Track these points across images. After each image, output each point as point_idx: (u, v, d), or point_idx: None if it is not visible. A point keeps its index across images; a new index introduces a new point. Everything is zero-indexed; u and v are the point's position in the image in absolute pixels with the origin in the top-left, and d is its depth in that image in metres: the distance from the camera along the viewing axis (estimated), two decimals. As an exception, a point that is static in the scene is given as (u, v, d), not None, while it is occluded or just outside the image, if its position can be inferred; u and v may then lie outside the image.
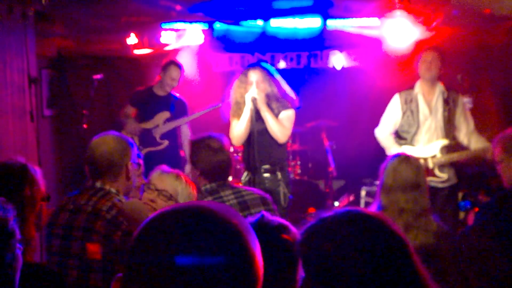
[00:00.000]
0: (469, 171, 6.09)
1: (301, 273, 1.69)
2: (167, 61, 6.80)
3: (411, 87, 5.74)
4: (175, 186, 3.37)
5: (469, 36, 7.55)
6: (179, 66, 6.72)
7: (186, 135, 6.84)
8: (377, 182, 3.91)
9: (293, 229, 1.94)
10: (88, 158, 3.37)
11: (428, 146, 5.60)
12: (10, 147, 5.99)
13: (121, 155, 3.36)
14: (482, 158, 5.48)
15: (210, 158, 3.71)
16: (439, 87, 5.64)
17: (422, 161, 5.53)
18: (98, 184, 3.30)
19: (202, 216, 1.30)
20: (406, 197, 3.65)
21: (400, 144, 5.73)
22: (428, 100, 5.66)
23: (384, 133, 5.84)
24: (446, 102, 5.62)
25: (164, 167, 3.59)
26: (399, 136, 5.80)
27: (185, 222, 1.28)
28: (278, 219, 2.01)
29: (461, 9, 6.62)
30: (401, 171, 3.72)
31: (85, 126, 6.56)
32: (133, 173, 3.37)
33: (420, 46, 6.42)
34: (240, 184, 5.48)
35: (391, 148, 5.68)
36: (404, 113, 5.70)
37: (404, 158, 3.81)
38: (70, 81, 8.11)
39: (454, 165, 5.66)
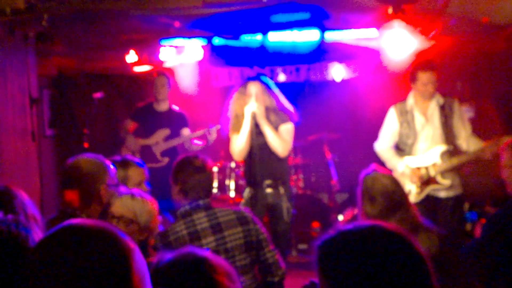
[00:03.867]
0: (474, 182, 6.07)
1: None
2: (154, 75, 7.06)
3: (405, 98, 5.76)
4: (132, 208, 3.22)
5: (468, 44, 7.57)
6: (163, 73, 6.96)
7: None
8: None
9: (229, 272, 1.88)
10: (62, 182, 3.35)
11: (427, 154, 5.59)
12: (12, 167, 6.00)
13: (93, 180, 3.30)
14: (481, 159, 5.48)
15: (189, 176, 3.71)
16: (435, 96, 5.65)
17: (423, 170, 5.53)
18: (69, 210, 3.26)
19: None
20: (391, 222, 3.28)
21: (400, 156, 5.72)
22: (423, 109, 5.67)
23: (383, 147, 5.84)
24: (442, 108, 5.63)
25: (120, 190, 3.46)
26: (398, 148, 5.80)
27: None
28: (218, 261, 1.88)
29: (459, 18, 6.63)
30: (377, 189, 3.49)
31: (86, 145, 6.57)
32: (107, 196, 3.28)
33: (418, 56, 6.44)
34: (242, 201, 5.47)
35: (392, 160, 5.69)
36: (401, 125, 5.71)
37: (374, 179, 3.55)
38: (71, 100, 8.14)
39: (457, 172, 5.65)
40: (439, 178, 5.54)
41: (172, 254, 1.87)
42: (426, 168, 5.56)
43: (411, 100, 5.72)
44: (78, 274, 1.36)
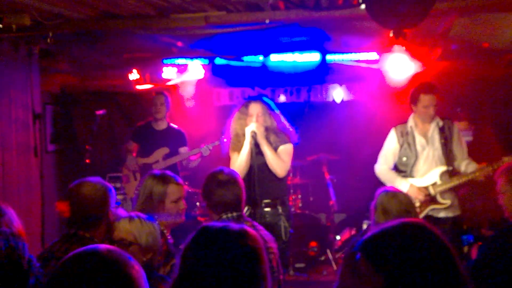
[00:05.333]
0: (470, 205, 6.11)
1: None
2: (153, 94, 7.12)
3: (406, 120, 5.83)
4: (132, 231, 3.19)
5: (468, 69, 7.63)
6: (161, 93, 7.03)
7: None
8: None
9: (253, 234, 1.98)
10: (69, 205, 3.40)
11: (428, 175, 5.65)
12: (14, 182, 6.04)
13: (100, 205, 3.38)
14: (476, 181, 5.54)
15: (216, 192, 3.78)
16: (435, 119, 5.72)
17: (423, 190, 5.59)
18: (72, 231, 3.33)
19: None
20: None
21: (402, 177, 5.77)
22: (423, 131, 5.75)
23: (384, 168, 5.89)
24: (441, 130, 5.71)
25: (118, 212, 3.48)
26: (397, 169, 5.85)
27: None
28: (240, 225, 2.02)
29: (460, 43, 6.71)
30: (391, 208, 3.70)
31: (88, 161, 6.62)
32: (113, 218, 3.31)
33: (419, 79, 6.50)
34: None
35: (394, 181, 5.71)
36: (401, 146, 5.77)
37: (392, 195, 3.78)
38: (73, 117, 8.20)
39: (455, 193, 5.70)
40: (439, 198, 5.61)
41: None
42: (426, 188, 5.63)
43: (411, 122, 5.79)
44: None
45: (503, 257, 3.42)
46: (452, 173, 5.68)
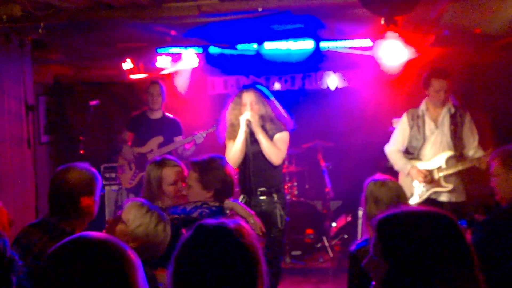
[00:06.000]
0: (468, 190, 6.13)
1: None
2: (148, 83, 7.08)
3: (400, 107, 5.86)
4: (129, 211, 3.09)
5: (460, 55, 7.64)
6: (157, 82, 7.01)
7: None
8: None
9: (249, 231, 1.97)
10: (48, 191, 3.28)
11: (434, 159, 5.73)
12: (8, 174, 6.03)
13: (79, 191, 3.23)
14: (478, 168, 5.58)
15: (220, 178, 3.88)
16: (447, 104, 5.75)
17: (424, 172, 5.63)
18: (53, 220, 3.22)
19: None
20: None
21: (408, 159, 5.83)
22: (434, 115, 5.81)
23: (392, 149, 5.96)
24: (453, 117, 5.76)
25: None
26: (407, 151, 5.92)
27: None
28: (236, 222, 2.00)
29: (452, 29, 6.70)
30: (381, 197, 3.67)
31: (82, 151, 6.61)
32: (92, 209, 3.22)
33: (412, 66, 6.51)
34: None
35: (399, 162, 5.84)
36: (411, 128, 5.84)
37: (381, 183, 3.75)
38: (67, 107, 8.18)
39: (461, 178, 5.77)
40: (442, 181, 5.69)
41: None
42: (431, 171, 5.71)
43: (423, 106, 5.86)
44: (83, 284, 1.48)
45: (494, 241, 3.45)
46: (459, 159, 5.73)
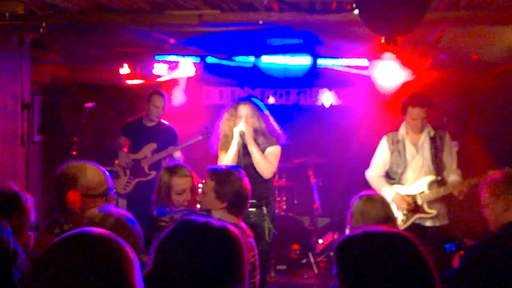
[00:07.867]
0: (455, 215, 6.15)
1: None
2: (151, 91, 7.00)
3: (398, 128, 5.85)
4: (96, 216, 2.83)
5: (456, 80, 7.70)
6: (161, 94, 6.93)
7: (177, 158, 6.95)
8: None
9: (234, 232, 1.96)
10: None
11: (416, 183, 5.69)
12: (-1, 170, 6.02)
13: (64, 182, 3.17)
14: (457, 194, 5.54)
15: (235, 191, 3.87)
16: (426, 128, 5.75)
17: (411, 198, 5.62)
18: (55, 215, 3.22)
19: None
20: None
21: (390, 184, 5.81)
22: (414, 140, 5.78)
23: (374, 175, 5.93)
24: (433, 140, 5.73)
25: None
26: (388, 176, 5.89)
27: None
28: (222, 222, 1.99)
29: (449, 54, 6.76)
30: (369, 212, 3.70)
31: (74, 153, 6.59)
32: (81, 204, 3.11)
33: (408, 88, 6.55)
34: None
35: (382, 188, 5.76)
36: (392, 154, 5.80)
37: (367, 198, 3.78)
38: (62, 108, 8.16)
39: (444, 202, 5.74)
40: (425, 207, 5.64)
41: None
42: (414, 196, 5.67)
43: (402, 130, 5.83)
44: (81, 278, 1.49)
45: (484, 266, 3.45)
46: (440, 183, 5.71)
